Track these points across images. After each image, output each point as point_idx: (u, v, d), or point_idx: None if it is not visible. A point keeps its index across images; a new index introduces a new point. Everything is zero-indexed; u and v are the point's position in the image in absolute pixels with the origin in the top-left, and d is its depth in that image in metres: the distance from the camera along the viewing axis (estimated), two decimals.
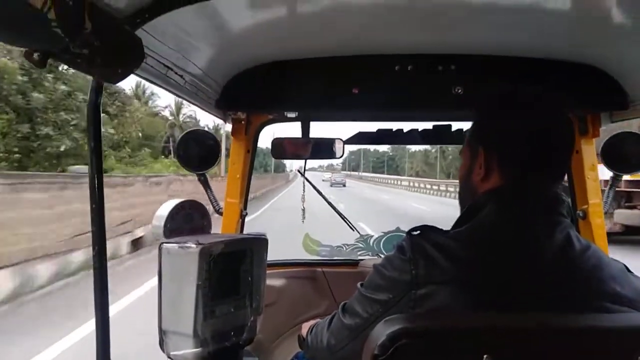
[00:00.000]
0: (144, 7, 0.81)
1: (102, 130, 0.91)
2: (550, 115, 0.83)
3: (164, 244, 0.98)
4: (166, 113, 38.49)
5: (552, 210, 0.79)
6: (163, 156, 26.57)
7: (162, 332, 0.99)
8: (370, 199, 25.75)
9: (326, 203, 1.97)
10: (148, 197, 10.47)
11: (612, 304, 0.74)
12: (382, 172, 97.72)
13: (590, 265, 0.76)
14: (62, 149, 12.99)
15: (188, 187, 12.61)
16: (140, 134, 22.07)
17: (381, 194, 31.73)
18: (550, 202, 0.80)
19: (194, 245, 0.95)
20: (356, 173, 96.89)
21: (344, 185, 40.34)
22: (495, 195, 0.81)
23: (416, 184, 43.34)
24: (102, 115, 0.89)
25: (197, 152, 1.55)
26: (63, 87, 13.33)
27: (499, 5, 1.06)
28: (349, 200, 20.86)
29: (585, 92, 1.36)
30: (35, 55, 0.59)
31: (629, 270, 0.81)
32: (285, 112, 1.59)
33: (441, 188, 33.70)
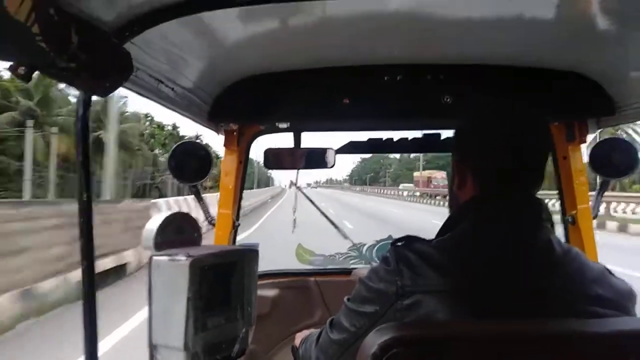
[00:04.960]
0: (131, 20, 0.81)
1: None
2: (517, 125, 0.83)
3: (154, 257, 0.97)
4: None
5: (531, 216, 0.80)
6: None
7: (152, 347, 0.98)
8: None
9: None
10: None
11: (596, 307, 0.74)
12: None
13: (572, 270, 0.77)
14: None
15: None
16: None
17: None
18: (528, 208, 0.80)
19: (183, 258, 0.94)
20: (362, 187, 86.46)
21: (316, 188, 75.95)
22: (473, 205, 0.82)
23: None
24: None
25: (189, 164, 1.55)
26: None
27: (485, 15, 1.08)
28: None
29: (572, 99, 1.37)
30: (21, 69, 0.59)
31: (610, 272, 0.82)
32: (277, 123, 1.59)
33: None
